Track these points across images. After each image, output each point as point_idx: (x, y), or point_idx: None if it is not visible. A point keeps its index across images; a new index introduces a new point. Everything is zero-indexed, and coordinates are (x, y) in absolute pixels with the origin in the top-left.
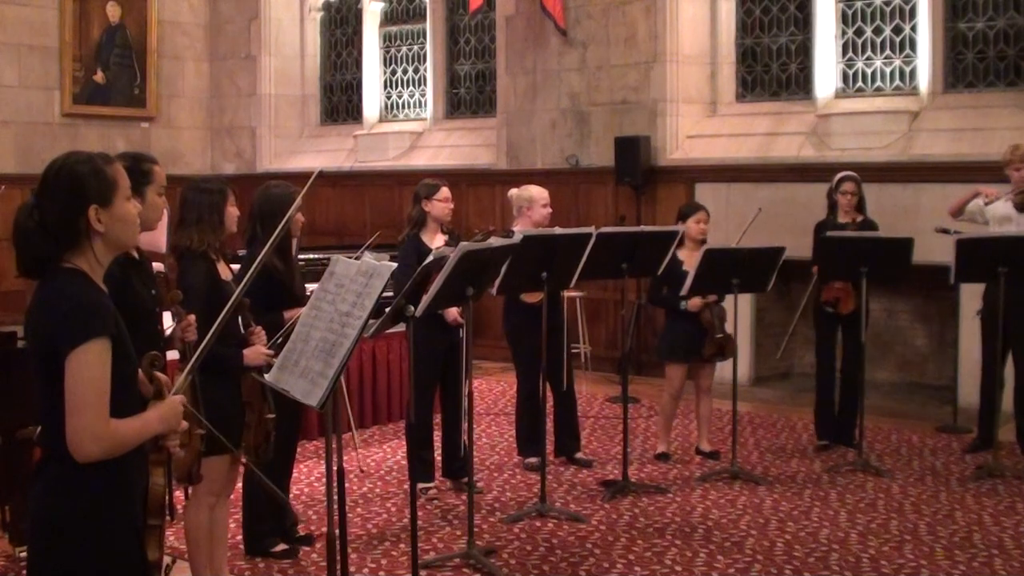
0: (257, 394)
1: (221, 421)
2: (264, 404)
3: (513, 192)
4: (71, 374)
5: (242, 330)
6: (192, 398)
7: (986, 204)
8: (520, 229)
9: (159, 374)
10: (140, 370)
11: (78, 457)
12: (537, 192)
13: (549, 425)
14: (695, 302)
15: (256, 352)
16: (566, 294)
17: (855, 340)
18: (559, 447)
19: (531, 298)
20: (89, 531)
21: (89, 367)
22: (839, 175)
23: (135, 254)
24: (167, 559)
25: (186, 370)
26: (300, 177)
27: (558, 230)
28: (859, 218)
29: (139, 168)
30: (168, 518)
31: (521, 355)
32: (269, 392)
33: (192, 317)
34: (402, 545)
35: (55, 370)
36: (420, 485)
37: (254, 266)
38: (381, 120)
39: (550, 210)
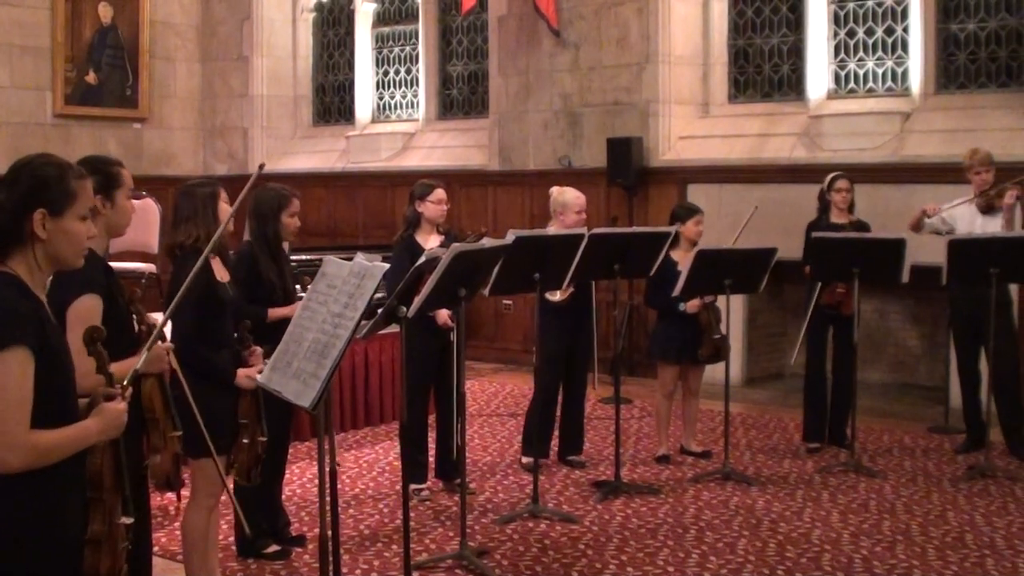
0: (253, 416)
1: (215, 428)
2: (258, 427)
3: (553, 191)
4: None
5: (237, 340)
6: (162, 399)
7: (930, 218)
8: (555, 230)
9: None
10: (86, 348)
11: None
12: (573, 198)
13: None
14: (694, 303)
15: (249, 376)
16: (594, 295)
17: (848, 341)
18: (563, 448)
19: (555, 296)
20: (14, 547)
21: (4, 376)
22: (831, 175)
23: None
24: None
25: (136, 364)
26: (293, 178)
27: (551, 231)
28: (852, 218)
29: (107, 171)
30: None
31: (543, 354)
32: (264, 416)
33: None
34: (394, 546)
35: None
36: (413, 486)
37: (198, 263)
38: (373, 121)
39: (584, 216)
